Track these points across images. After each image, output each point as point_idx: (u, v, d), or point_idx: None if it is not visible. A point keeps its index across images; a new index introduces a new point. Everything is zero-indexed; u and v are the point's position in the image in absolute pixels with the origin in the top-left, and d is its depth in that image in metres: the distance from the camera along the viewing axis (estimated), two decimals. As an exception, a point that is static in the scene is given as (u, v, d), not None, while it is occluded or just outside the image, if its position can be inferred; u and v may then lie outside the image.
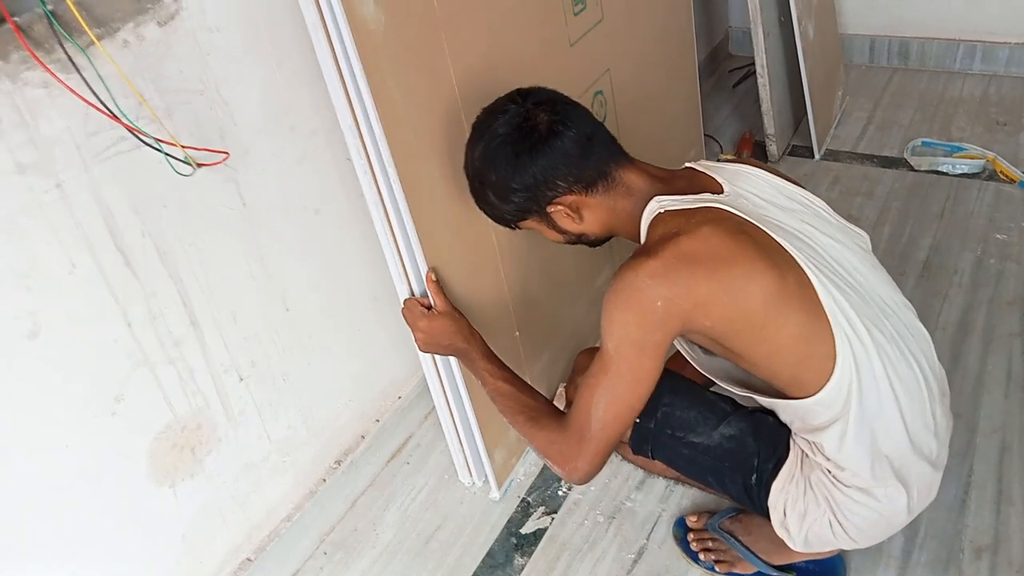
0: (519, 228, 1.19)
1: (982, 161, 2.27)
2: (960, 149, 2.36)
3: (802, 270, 1.00)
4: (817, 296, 1.00)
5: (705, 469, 1.23)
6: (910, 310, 1.13)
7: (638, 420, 1.24)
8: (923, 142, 2.42)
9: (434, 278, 1.26)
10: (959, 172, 2.28)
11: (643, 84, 1.89)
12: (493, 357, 1.23)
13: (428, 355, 1.34)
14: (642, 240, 1.08)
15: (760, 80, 2.30)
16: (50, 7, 0.90)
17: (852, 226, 1.16)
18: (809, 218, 1.11)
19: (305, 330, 1.38)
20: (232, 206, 1.19)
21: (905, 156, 2.37)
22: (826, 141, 2.50)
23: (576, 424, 1.05)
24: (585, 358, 1.37)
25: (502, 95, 1.13)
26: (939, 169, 2.30)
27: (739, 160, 1.18)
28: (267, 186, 1.24)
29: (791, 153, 2.49)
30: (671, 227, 1.02)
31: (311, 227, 1.35)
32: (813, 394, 1.02)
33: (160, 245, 1.10)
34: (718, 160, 2.46)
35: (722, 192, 1.08)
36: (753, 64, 2.31)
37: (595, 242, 1.19)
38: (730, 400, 1.25)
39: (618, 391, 1.02)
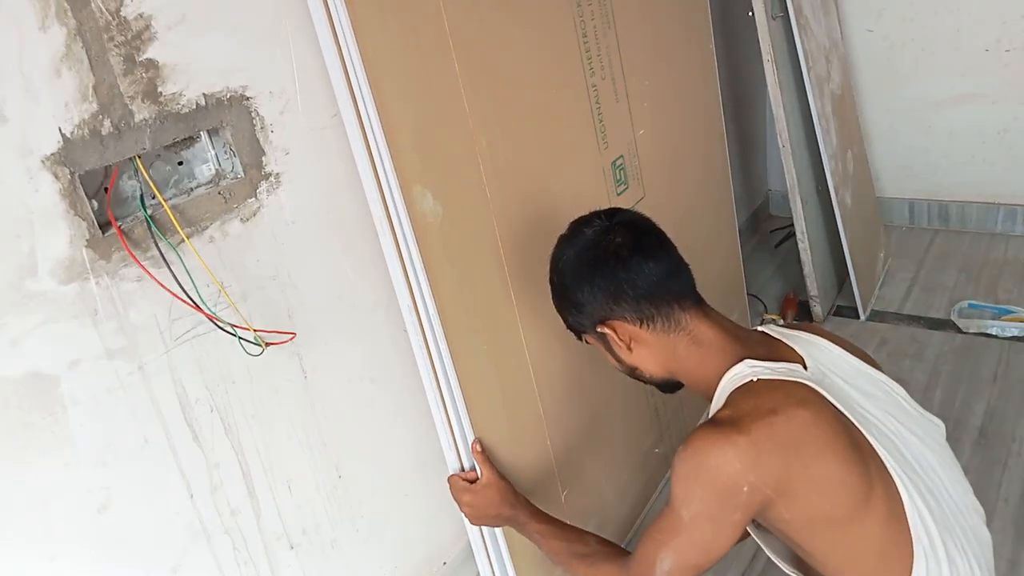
0: (585, 341, 1.17)
1: (1032, 324, 2.27)
2: (1008, 311, 2.35)
3: (890, 476, 0.97)
4: (902, 506, 0.96)
5: None
6: (978, 515, 1.09)
7: None
8: (970, 304, 2.43)
9: (479, 448, 1.30)
10: (1009, 335, 2.27)
11: (685, 251, 1.97)
12: (542, 516, 1.23)
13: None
14: (716, 398, 1.03)
15: (801, 244, 2.37)
16: (150, 212, 1.02)
17: (928, 415, 1.12)
18: (890, 407, 1.07)
19: (356, 496, 1.41)
20: (294, 379, 1.27)
21: (952, 318, 2.38)
22: (871, 302, 2.52)
23: (638, 572, 1.02)
24: None
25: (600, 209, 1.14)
26: (988, 332, 2.30)
27: (804, 327, 1.15)
28: (328, 359, 1.32)
29: (836, 313, 2.52)
30: (765, 402, 0.95)
31: (366, 396, 1.41)
32: None
33: (226, 418, 1.17)
34: (762, 322, 2.50)
35: (804, 366, 1.03)
36: (794, 225, 2.39)
37: (660, 384, 1.15)
38: None
39: (687, 556, 0.98)
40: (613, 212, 1.13)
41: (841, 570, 0.98)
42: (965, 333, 2.32)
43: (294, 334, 1.20)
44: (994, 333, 2.29)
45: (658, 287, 1.06)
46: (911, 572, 0.95)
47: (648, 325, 1.07)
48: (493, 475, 1.28)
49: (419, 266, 1.21)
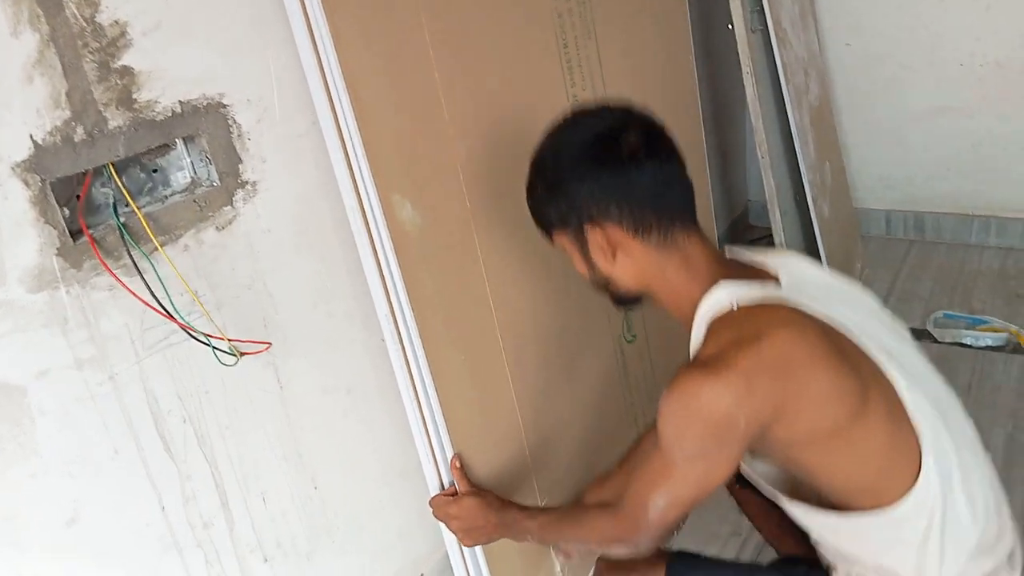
0: (552, 241, 1.09)
1: (1006, 334, 2.29)
2: (982, 322, 2.38)
3: (882, 374, 0.94)
4: (900, 402, 0.94)
5: None
6: (959, 403, 1.06)
7: None
8: (945, 314, 2.45)
9: (458, 464, 1.29)
10: (983, 345, 2.29)
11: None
12: (532, 511, 1.22)
13: (447, 530, 1.32)
14: (696, 325, 0.98)
15: (779, 255, 2.38)
16: (123, 220, 1.00)
17: (897, 318, 1.11)
18: (865, 310, 1.05)
19: (331, 508, 1.40)
20: (269, 389, 1.25)
21: (928, 328, 2.40)
22: (848, 312, 2.54)
23: (630, 513, 0.99)
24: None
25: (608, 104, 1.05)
26: (963, 342, 2.32)
27: (772, 250, 1.11)
28: (303, 368, 1.30)
29: (814, 323, 2.53)
30: (748, 329, 0.91)
31: (342, 406, 1.40)
32: (893, 503, 0.94)
33: (199, 429, 1.15)
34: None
35: (778, 282, 1.00)
36: (773, 235, 2.40)
37: (622, 297, 1.09)
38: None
39: (681, 495, 0.95)
40: (627, 108, 1.03)
41: (848, 477, 0.96)
42: (940, 343, 2.34)
43: (269, 344, 1.19)
44: (969, 343, 2.31)
45: (665, 198, 0.99)
46: (919, 466, 0.93)
47: (643, 235, 0.99)
48: (471, 486, 1.28)
49: (397, 276, 1.20)
